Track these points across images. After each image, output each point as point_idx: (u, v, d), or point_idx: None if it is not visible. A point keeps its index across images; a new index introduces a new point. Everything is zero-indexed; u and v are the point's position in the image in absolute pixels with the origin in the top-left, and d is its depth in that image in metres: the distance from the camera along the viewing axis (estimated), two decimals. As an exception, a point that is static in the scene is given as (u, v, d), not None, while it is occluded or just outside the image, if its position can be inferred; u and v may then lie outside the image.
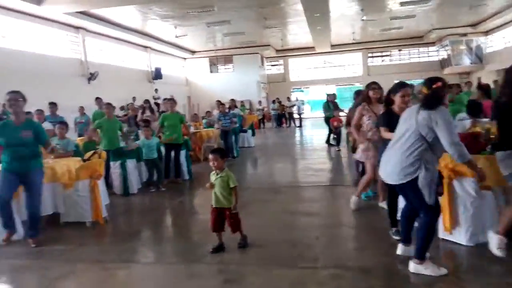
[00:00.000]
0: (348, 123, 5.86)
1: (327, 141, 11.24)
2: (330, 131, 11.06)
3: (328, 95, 11.30)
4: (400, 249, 3.20)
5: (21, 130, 3.88)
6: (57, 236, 4.41)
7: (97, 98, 9.66)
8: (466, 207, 3.26)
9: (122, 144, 6.53)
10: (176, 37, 17.46)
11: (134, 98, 14.95)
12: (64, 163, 4.73)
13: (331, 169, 8.24)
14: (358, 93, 6.70)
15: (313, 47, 23.42)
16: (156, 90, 19.48)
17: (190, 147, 7.70)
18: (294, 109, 20.25)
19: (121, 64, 18.08)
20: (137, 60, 19.77)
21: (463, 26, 19.74)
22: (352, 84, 27.16)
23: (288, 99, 21.52)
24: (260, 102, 21.93)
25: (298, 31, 18.81)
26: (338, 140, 10.39)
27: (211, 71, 25.26)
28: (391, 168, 2.95)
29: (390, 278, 3.01)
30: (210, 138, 9.86)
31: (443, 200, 3.31)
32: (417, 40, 23.24)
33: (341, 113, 10.50)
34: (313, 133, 17.50)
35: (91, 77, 14.94)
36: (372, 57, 26.29)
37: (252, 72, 24.08)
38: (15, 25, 12.08)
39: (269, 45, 22.57)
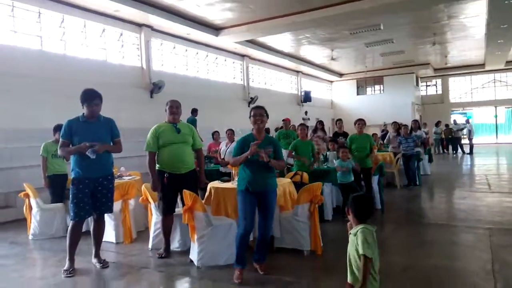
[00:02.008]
0: None
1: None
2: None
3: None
4: None
5: (264, 146, 3.68)
6: (277, 263, 4.09)
7: (284, 120, 9.81)
8: None
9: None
10: (332, 59, 17.21)
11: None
12: (280, 184, 4.46)
13: None
14: None
15: (482, 64, 20.50)
16: (306, 112, 19.54)
17: (384, 172, 6.90)
18: (464, 132, 17.67)
19: (275, 88, 18.69)
20: (288, 84, 20.24)
21: None
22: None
23: (455, 121, 18.97)
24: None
25: (467, 46, 16.62)
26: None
27: (357, 93, 24.39)
28: None
29: None
30: (386, 162, 8.90)
31: None
32: None
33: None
34: (496, 162, 14.87)
35: (251, 101, 15.65)
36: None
37: (405, 93, 22.35)
38: (194, 54, 13.41)
39: (428, 64, 20.61)
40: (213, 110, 13.06)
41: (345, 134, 7.83)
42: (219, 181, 4.87)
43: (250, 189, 3.66)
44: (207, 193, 4.58)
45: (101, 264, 4.15)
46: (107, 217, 4.57)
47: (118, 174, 5.73)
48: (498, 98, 23.27)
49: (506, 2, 9.83)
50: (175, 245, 4.62)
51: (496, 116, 23.86)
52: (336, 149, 6.58)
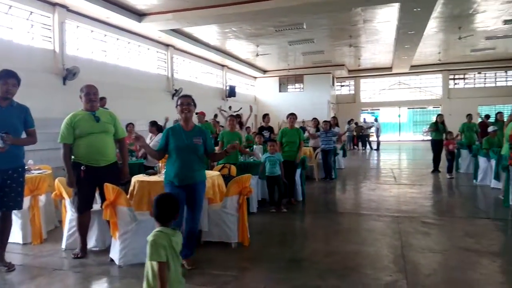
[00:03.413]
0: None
1: (437, 169, 10.18)
2: (437, 156, 10.10)
3: (438, 115, 10.34)
4: None
5: (193, 136, 3.60)
6: (204, 257, 4.04)
7: (198, 113, 9.62)
8: None
9: (241, 158, 6.20)
10: (257, 55, 17.47)
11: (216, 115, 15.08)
12: (209, 176, 4.40)
13: (455, 199, 7.38)
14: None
15: (389, 68, 22.52)
16: (230, 107, 19.59)
17: (306, 166, 7.21)
18: (372, 130, 19.28)
19: (200, 81, 18.41)
20: (214, 77, 20.09)
21: None
22: (424, 107, 25.79)
23: (365, 120, 20.59)
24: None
25: (378, 50, 18.10)
26: (450, 167, 9.39)
27: (280, 90, 25.14)
28: None
29: None
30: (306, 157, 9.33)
31: None
32: (506, 62, 21.49)
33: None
34: (399, 157, 16.49)
35: (176, 93, 15.21)
36: (454, 79, 24.72)
37: (323, 92, 23.62)
38: (114, 41, 12.59)
39: (343, 65, 22.02)
40: (134, 100, 12.42)
41: (270, 128, 8.02)
42: (144, 175, 4.65)
43: (178, 181, 3.55)
44: (131, 187, 4.34)
45: (6, 268, 3.70)
46: (12, 215, 4.07)
47: (26, 167, 5.14)
48: (402, 99, 25.77)
49: (414, 10, 10.87)
50: (92, 244, 4.30)
51: (399, 116, 26.46)
52: (263, 143, 6.71)
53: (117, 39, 12.67)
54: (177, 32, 13.70)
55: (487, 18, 12.97)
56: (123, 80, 12.53)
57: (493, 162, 7.54)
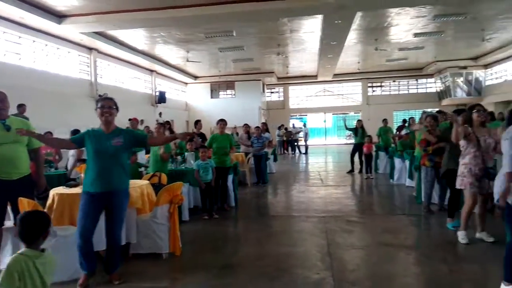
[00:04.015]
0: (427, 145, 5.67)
1: (352, 170, 10.99)
2: (354, 159, 10.89)
3: (358, 120, 11.16)
4: None
5: (112, 138, 3.44)
6: (133, 270, 3.87)
7: (131, 119, 9.24)
8: None
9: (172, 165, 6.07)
10: (187, 61, 17.28)
11: (142, 121, 14.53)
12: (137, 185, 4.25)
13: (374, 198, 7.96)
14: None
15: (315, 76, 23.67)
16: (160, 113, 19.10)
17: (239, 171, 7.26)
18: (301, 135, 20.07)
19: (127, 86, 17.69)
20: (142, 83, 19.43)
21: (464, 59, 20.36)
22: (346, 113, 27.51)
23: (293, 125, 21.37)
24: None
25: (304, 58, 18.96)
26: (368, 167, 10.14)
27: (211, 97, 25.12)
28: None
29: None
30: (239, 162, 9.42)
31: None
32: (416, 71, 23.82)
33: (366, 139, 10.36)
34: (325, 160, 17.32)
35: (100, 98, 14.43)
36: (372, 86, 26.74)
37: (254, 98, 24.09)
38: (31, 43, 11.61)
39: (272, 72, 22.68)
40: (52, 106, 11.55)
41: (201, 135, 7.96)
42: (64, 187, 4.33)
43: (95, 188, 3.37)
44: (49, 201, 4.02)
45: None
46: None
47: None
48: (327, 105, 27.25)
49: (336, 22, 11.59)
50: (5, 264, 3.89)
51: (325, 121, 27.94)
52: (194, 149, 6.64)
53: (33, 41, 11.71)
54: (101, 35, 13.05)
55: (400, 31, 14.29)
56: (40, 84, 11.61)
57: (407, 162, 8.28)
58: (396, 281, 3.55)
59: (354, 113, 27.20)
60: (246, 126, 10.33)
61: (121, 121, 14.24)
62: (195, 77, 23.48)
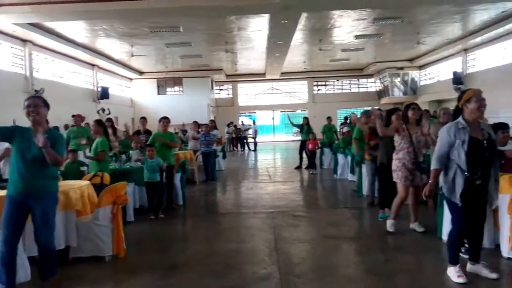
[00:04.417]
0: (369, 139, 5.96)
1: (300, 166, 11.32)
2: (302, 155, 11.21)
3: (304, 118, 11.49)
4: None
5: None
6: (74, 275, 3.69)
7: (74, 116, 8.72)
8: (538, 225, 3.39)
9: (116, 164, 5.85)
10: (132, 56, 16.66)
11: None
12: (77, 186, 4.04)
13: (319, 192, 8.26)
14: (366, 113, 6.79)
15: (263, 74, 23.94)
16: (103, 109, 18.22)
17: (187, 169, 7.16)
18: (250, 132, 20.22)
19: (66, 81, 16.70)
20: (83, 77, 18.44)
21: (401, 61, 21.70)
22: (294, 111, 28.17)
23: (243, 122, 21.49)
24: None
25: (253, 56, 19.10)
26: (312, 163, 10.47)
27: (158, 93, 24.48)
28: None
29: None
30: (187, 160, 9.29)
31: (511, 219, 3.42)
32: (358, 71, 24.96)
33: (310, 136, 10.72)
34: (274, 156, 17.60)
35: (36, 94, 13.49)
36: (317, 85, 27.60)
37: (202, 95, 23.85)
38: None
39: (221, 69, 22.59)
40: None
41: (148, 132, 7.74)
42: (-5, 189, 4.01)
43: (19, 191, 3.16)
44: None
45: None
46: None
47: None
48: (275, 103, 27.70)
49: (282, 21, 11.80)
50: None
51: (273, 119, 28.40)
52: (140, 148, 6.45)
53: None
54: (37, 27, 12.18)
55: (342, 33, 14.88)
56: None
57: (349, 158, 8.68)
58: (338, 271, 3.72)
59: (301, 111, 27.91)
60: (195, 123, 10.22)
61: (62, 118, 13.41)
62: (141, 73, 22.75)
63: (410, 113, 4.75)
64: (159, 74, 22.89)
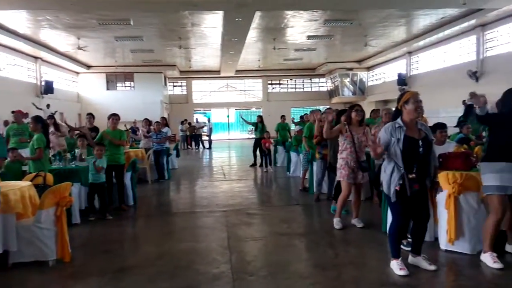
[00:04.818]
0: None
1: (255, 163, 11.41)
2: (256, 153, 11.30)
3: (258, 116, 11.59)
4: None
5: None
6: (14, 281, 3.46)
7: (14, 112, 8.12)
8: (470, 219, 3.68)
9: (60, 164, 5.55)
10: (79, 48, 15.85)
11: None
12: (17, 187, 3.79)
13: (273, 190, 8.39)
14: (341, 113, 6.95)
15: (218, 71, 23.81)
16: (48, 105, 17.20)
17: (137, 168, 6.94)
18: (205, 130, 20.04)
19: (5, 74, 15.57)
20: (25, 70, 17.27)
21: (351, 62, 22.55)
22: (248, 108, 28.34)
23: (197, 120, 21.24)
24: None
25: (207, 53, 18.93)
26: (267, 161, 10.60)
27: (108, 88, 23.55)
28: None
29: None
30: (138, 159, 9.02)
31: (448, 214, 3.68)
32: (310, 71, 25.59)
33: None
34: (229, 154, 17.59)
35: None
36: (272, 84, 27.93)
37: (155, 91, 23.32)
38: None
39: (175, 65, 22.16)
40: None
41: (95, 129, 7.42)
42: None
43: None
44: None
45: None
46: None
47: None
48: (230, 101, 27.67)
49: (236, 19, 11.79)
50: None
51: (228, 116, 28.38)
52: (87, 146, 6.16)
53: None
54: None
55: (295, 33, 15.18)
56: None
57: (301, 156, 8.87)
58: (289, 267, 3.80)
59: (256, 109, 28.12)
60: (146, 120, 9.95)
61: (1, 114, 12.51)
62: (88, 67, 21.75)
63: (353, 114, 4.94)
64: (108, 69, 22.01)
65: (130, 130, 12.80)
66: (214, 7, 11.04)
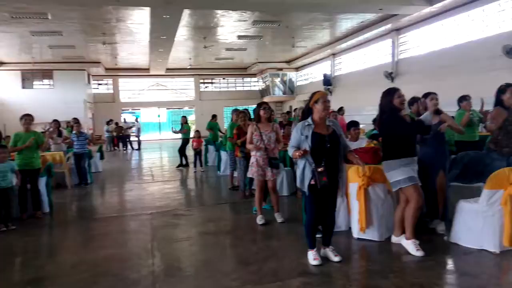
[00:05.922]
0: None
1: (181, 165, 11.23)
2: (183, 154, 11.15)
3: (182, 117, 11.48)
4: None
5: None
6: None
7: None
8: (378, 208, 3.99)
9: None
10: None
11: None
12: None
13: (202, 190, 8.35)
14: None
15: (147, 69, 23.03)
16: None
17: (53, 173, 6.45)
18: (133, 130, 19.27)
19: None
20: None
21: (280, 62, 23.19)
22: (181, 108, 27.85)
23: (125, 120, 20.34)
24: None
25: (135, 50, 18.22)
26: (196, 161, 10.49)
27: (23, 86, 21.61)
28: None
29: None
30: (56, 162, 8.41)
31: (359, 204, 3.97)
32: (242, 71, 25.86)
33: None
34: (159, 155, 17.11)
35: None
36: (204, 83, 27.71)
37: (78, 90, 21.90)
38: None
39: (99, 62, 21.00)
40: None
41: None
42: None
43: None
44: None
45: None
46: None
47: None
48: (161, 100, 26.92)
49: (164, 16, 11.48)
50: None
51: (159, 116, 27.61)
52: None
53: None
54: None
55: (226, 32, 15.23)
56: None
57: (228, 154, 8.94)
58: (213, 265, 3.81)
59: (188, 108, 27.73)
60: (56, 122, 9.32)
61: None
62: (1, 63, 19.75)
63: (261, 112, 5.09)
64: (24, 65, 20.17)
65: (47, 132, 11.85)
66: (139, 3, 10.66)
